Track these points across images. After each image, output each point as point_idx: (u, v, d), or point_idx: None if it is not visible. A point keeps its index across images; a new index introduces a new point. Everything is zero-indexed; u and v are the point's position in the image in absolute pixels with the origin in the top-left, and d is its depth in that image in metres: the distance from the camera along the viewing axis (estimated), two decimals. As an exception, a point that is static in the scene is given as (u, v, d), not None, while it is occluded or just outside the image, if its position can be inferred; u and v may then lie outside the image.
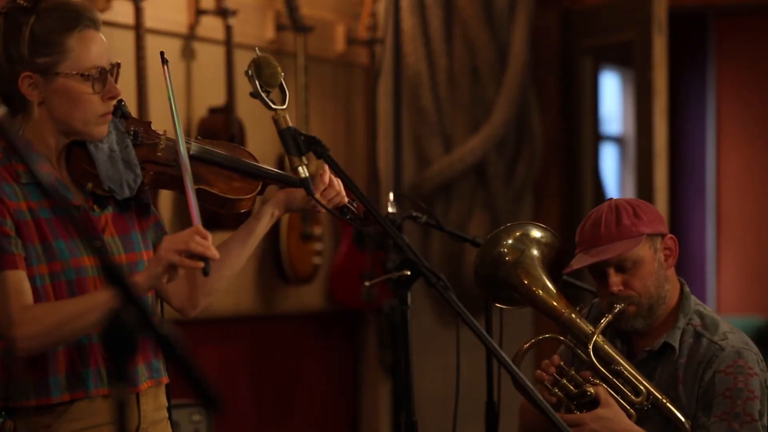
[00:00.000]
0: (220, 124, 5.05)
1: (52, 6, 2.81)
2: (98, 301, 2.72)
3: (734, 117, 8.56)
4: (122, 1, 4.61)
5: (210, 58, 5.18)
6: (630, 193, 7.30)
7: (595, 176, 6.76)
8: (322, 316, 5.97)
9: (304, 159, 2.87)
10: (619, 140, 8.01)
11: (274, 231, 5.43)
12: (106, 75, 2.82)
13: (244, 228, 3.02)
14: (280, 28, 5.54)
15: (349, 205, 3.05)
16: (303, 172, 2.87)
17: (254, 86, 2.86)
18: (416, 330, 5.50)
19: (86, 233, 2.68)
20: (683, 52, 8.21)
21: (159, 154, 2.94)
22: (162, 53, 2.94)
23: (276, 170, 3.01)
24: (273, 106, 2.86)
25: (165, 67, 2.93)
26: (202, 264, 2.71)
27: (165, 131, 2.98)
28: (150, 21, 4.71)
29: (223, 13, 5.06)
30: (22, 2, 2.81)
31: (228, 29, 5.05)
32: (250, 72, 2.86)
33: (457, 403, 3.58)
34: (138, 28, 4.57)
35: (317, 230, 5.61)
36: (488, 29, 6.17)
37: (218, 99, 5.11)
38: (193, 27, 5.12)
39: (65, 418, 2.80)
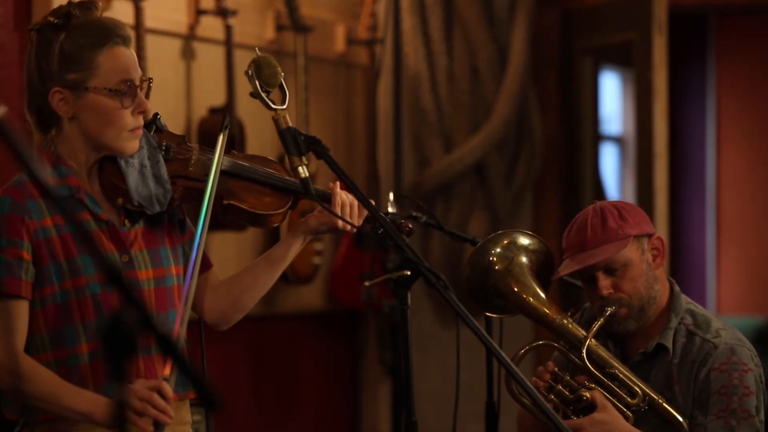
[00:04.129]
0: (220, 124, 5.05)
1: (82, 23, 2.83)
2: (82, 408, 2.74)
3: (734, 117, 8.56)
4: (122, 1, 4.61)
5: (210, 58, 5.18)
6: (630, 193, 7.30)
7: (595, 176, 6.76)
8: (322, 316, 5.97)
9: (304, 159, 2.88)
10: (619, 140, 8.01)
11: (273, 231, 5.42)
12: (135, 90, 2.84)
13: (275, 251, 3.06)
14: (280, 28, 5.54)
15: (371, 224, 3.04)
16: (303, 172, 2.87)
17: (254, 86, 2.86)
18: (416, 330, 5.52)
19: (95, 249, 2.70)
20: (683, 52, 8.21)
21: (190, 169, 2.95)
22: (224, 116, 2.97)
23: (319, 189, 3.00)
24: (273, 106, 2.87)
25: (222, 134, 2.96)
26: (152, 429, 2.73)
27: (197, 145, 3.00)
28: (150, 21, 4.71)
29: (223, 13, 5.06)
30: (53, 19, 2.83)
31: (228, 29, 5.05)
32: (250, 72, 2.86)
33: (457, 403, 3.57)
34: (138, 28, 4.56)
35: (317, 230, 5.60)
36: (488, 29, 6.17)
37: (218, 99, 5.11)
38: (193, 27, 5.12)
39: (78, 428, 2.81)
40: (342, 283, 5.86)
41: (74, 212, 2.79)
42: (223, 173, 2.95)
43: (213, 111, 5.14)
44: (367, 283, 3.08)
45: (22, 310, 2.78)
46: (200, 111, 5.14)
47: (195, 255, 2.84)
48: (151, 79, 2.89)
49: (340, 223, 2.98)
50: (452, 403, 3.57)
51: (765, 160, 8.50)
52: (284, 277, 5.54)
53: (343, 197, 2.99)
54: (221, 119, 3.00)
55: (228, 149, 3.06)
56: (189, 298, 2.82)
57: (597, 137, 6.86)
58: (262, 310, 5.55)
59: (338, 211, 2.98)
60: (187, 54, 5.13)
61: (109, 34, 2.82)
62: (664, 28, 6.05)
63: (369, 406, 6.17)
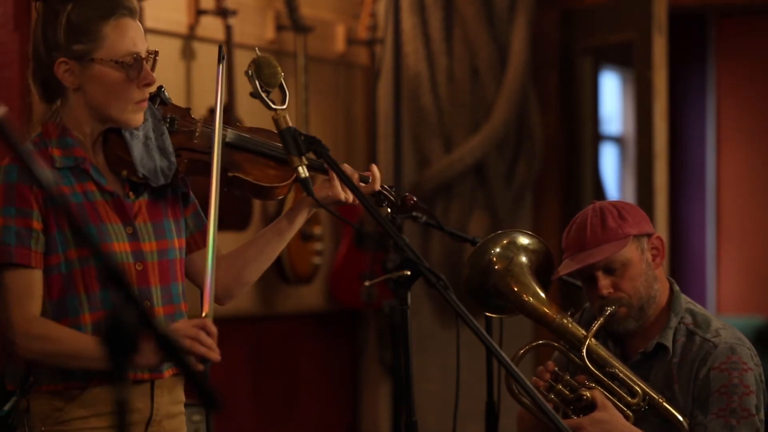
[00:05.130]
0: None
1: None
2: (97, 352, 2.72)
3: (734, 117, 8.56)
4: (122, 1, 4.61)
5: (210, 58, 5.17)
6: (630, 193, 7.30)
7: (595, 176, 6.76)
8: (322, 316, 5.97)
9: (304, 159, 2.88)
10: (619, 140, 8.01)
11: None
12: (141, 62, 2.85)
13: (281, 222, 3.06)
14: (280, 28, 5.54)
15: (385, 191, 3.06)
16: (303, 172, 2.87)
17: (254, 86, 2.87)
18: (416, 330, 5.52)
19: (81, 227, 2.71)
20: (683, 52, 8.21)
21: (195, 141, 2.96)
22: (220, 47, 2.97)
23: (312, 158, 2.99)
24: (273, 106, 2.87)
25: (220, 65, 2.95)
26: (201, 366, 2.75)
27: (202, 117, 3.00)
28: (150, 21, 4.71)
29: (223, 13, 5.06)
30: None
31: (228, 29, 5.05)
32: (250, 72, 2.87)
33: (457, 403, 3.58)
34: (138, 28, 4.56)
35: (317, 230, 5.61)
36: (488, 29, 6.17)
37: (218, 99, 5.11)
38: (193, 27, 5.12)
39: (77, 404, 2.81)
40: (342, 283, 5.86)
41: (71, 207, 2.79)
42: (227, 146, 2.95)
43: (213, 111, 5.14)
44: (367, 283, 3.07)
45: (35, 278, 2.78)
46: (200, 111, 5.14)
47: (212, 222, 2.84)
48: (157, 52, 2.89)
49: (343, 196, 2.98)
50: (452, 403, 3.58)
51: (765, 160, 8.50)
52: (284, 277, 5.54)
53: (349, 171, 2.99)
54: (218, 50, 3.00)
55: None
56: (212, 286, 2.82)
57: (597, 137, 6.86)
58: (262, 310, 5.55)
59: (338, 184, 2.98)
60: (187, 54, 5.13)
61: (116, 5, 2.83)
62: (664, 28, 6.05)
63: (369, 406, 6.17)
